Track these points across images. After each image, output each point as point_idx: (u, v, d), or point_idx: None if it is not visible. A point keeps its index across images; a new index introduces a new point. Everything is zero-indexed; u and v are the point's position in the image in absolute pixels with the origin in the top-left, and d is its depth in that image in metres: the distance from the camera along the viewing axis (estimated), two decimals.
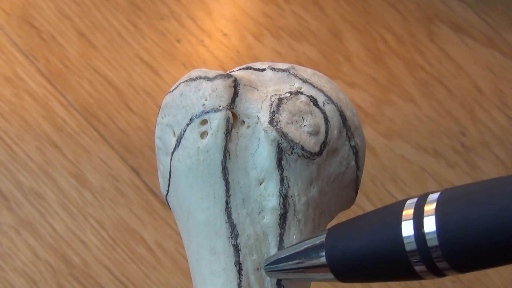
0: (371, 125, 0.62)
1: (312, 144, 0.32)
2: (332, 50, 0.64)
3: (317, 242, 0.29)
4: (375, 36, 0.65)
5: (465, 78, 0.64)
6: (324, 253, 0.29)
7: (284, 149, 0.32)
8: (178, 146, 0.33)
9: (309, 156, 0.32)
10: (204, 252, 0.32)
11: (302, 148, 0.32)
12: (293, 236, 0.32)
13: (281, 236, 0.32)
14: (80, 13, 0.64)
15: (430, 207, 0.26)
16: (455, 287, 0.58)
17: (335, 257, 0.29)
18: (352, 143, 0.34)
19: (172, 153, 0.33)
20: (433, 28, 0.66)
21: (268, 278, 0.32)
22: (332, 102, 0.33)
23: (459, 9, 0.66)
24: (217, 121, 0.32)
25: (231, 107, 0.32)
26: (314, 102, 0.33)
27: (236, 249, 0.32)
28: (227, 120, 0.32)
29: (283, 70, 0.34)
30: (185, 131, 0.32)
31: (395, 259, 0.27)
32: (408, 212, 0.27)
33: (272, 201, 0.32)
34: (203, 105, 0.32)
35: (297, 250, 0.30)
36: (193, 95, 0.32)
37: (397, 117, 0.63)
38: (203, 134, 0.32)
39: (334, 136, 0.33)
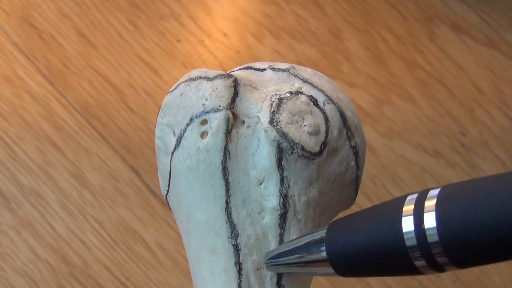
0: (371, 125, 0.62)
1: (312, 144, 0.32)
2: (332, 50, 0.64)
3: (318, 237, 0.30)
4: (375, 36, 0.65)
5: (465, 78, 0.64)
6: (324, 247, 0.29)
7: (284, 149, 0.32)
8: (178, 146, 0.33)
9: (309, 156, 0.32)
10: (204, 252, 0.32)
11: (302, 148, 0.32)
12: (293, 236, 0.32)
13: (281, 236, 0.32)
14: (80, 13, 0.64)
15: (430, 203, 0.26)
16: (455, 287, 0.58)
17: (336, 252, 0.29)
18: (352, 143, 0.34)
19: (172, 153, 0.33)
20: (433, 28, 0.66)
21: (268, 278, 0.32)
22: (332, 102, 0.33)
23: (459, 9, 0.66)
24: (217, 121, 0.32)
25: (231, 107, 0.32)
26: (314, 102, 0.33)
27: (236, 249, 0.32)
28: (227, 120, 0.32)
29: (283, 70, 0.34)
30: (185, 131, 0.32)
31: (395, 254, 0.27)
32: (409, 207, 0.27)
33: (272, 201, 0.32)
34: (203, 105, 0.32)
35: (298, 245, 0.30)
36: (193, 95, 0.32)
37: (397, 117, 0.63)
38: (203, 134, 0.32)
39: (334, 136, 0.33)
